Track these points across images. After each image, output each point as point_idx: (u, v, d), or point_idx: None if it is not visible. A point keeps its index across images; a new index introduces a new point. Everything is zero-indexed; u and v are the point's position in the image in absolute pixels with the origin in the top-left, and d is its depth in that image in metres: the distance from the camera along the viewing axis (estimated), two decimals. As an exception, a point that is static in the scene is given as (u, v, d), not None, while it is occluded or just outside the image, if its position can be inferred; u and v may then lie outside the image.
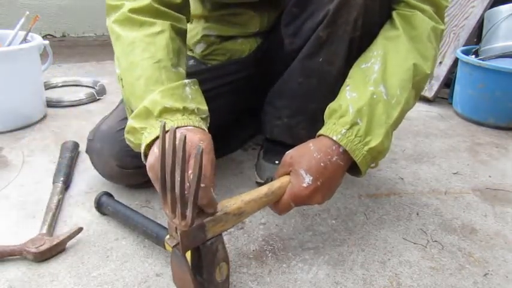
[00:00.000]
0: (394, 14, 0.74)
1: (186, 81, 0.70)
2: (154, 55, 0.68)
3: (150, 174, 0.62)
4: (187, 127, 0.64)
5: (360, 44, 0.75)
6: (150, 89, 0.66)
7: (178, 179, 0.53)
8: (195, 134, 0.62)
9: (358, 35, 0.75)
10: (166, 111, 0.64)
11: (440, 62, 1.63)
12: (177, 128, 0.62)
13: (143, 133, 0.64)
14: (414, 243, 0.81)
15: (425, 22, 0.73)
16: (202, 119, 0.68)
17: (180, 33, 0.76)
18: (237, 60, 0.99)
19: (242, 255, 0.75)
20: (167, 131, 0.54)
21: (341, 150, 0.67)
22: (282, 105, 0.91)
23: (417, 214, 0.90)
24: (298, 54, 0.84)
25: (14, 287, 0.66)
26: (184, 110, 0.65)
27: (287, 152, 0.71)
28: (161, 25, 0.71)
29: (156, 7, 0.72)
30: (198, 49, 1.00)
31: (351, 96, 0.69)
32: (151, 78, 0.67)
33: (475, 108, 1.46)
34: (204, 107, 0.71)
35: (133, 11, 0.71)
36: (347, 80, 0.73)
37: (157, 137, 0.62)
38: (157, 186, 0.61)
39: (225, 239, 0.72)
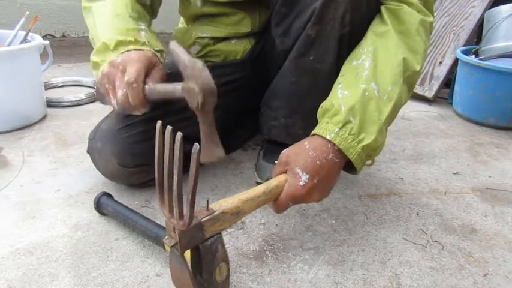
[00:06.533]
0: (383, 8, 0.74)
1: (142, 26, 0.82)
2: (115, 10, 0.82)
3: (99, 86, 0.77)
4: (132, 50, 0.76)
5: (349, 40, 0.75)
6: (109, 31, 0.79)
7: (176, 179, 0.53)
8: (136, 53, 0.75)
9: (347, 31, 0.75)
10: (120, 43, 0.77)
11: (440, 62, 1.63)
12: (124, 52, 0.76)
13: (102, 64, 0.77)
14: (414, 243, 0.81)
15: (414, 16, 0.72)
16: (156, 51, 0.80)
17: (144, 5, 0.89)
18: (233, 61, 1.00)
19: (242, 255, 0.75)
20: (164, 132, 0.54)
21: (336, 147, 0.67)
22: (277, 106, 0.91)
23: (417, 214, 0.90)
24: (290, 53, 0.84)
25: (14, 287, 0.66)
26: (136, 42, 0.77)
27: (283, 151, 0.71)
28: None
29: None
30: (193, 51, 1.01)
31: (343, 95, 0.69)
32: (111, 23, 0.80)
33: (475, 108, 1.46)
34: (158, 44, 0.82)
35: None
36: (339, 78, 0.73)
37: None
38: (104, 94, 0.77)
39: (225, 239, 0.72)
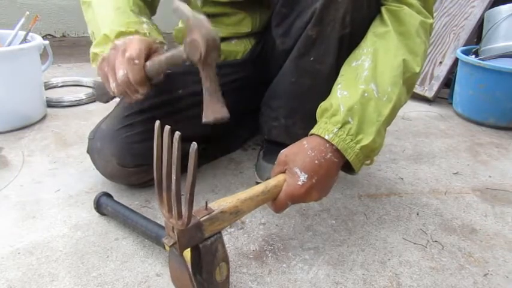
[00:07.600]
0: (383, 9, 0.74)
1: (144, 19, 0.81)
2: (116, 3, 0.80)
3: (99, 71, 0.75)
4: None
5: (350, 41, 0.75)
6: (110, 23, 0.78)
7: (174, 178, 0.53)
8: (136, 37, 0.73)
9: (348, 32, 0.75)
10: (122, 34, 0.75)
11: (441, 62, 1.63)
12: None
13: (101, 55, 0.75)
14: (414, 243, 0.81)
15: (414, 17, 0.72)
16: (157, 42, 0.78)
17: (144, 0, 0.88)
18: (233, 61, 1.00)
19: (242, 255, 0.75)
20: (163, 132, 0.54)
21: (334, 147, 0.67)
22: (277, 106, 0.91)
23: (417, 214, 0.90)
24: (290, 54, 0.84)
25: (14, 287, 0.66)
26: (137, 33, 0.76)
27: (282, 151, 0.71)
28: None
29: None
30: None
31: (342, 95, 0.69)
32: (112, 16, 0.79)
33: (475, 108, 1.46)
34: (159, 36, 0.81)
35: None
36: (338, 78, 0.73)
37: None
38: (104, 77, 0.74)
39: (225, 239, 0.72)
